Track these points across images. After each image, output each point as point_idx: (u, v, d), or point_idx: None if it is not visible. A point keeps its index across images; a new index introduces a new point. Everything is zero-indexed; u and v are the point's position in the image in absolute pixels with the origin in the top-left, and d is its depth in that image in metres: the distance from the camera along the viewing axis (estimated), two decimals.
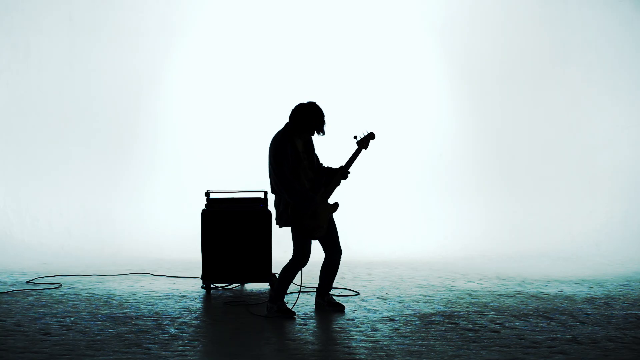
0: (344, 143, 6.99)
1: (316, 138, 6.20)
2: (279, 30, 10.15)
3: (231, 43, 10.15)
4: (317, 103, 6.02)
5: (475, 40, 10.28)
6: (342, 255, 6.24)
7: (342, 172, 6.10)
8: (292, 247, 6.05)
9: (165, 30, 10.13)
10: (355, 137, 6.23)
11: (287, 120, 6.04)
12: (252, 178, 8.70)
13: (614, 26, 10.18)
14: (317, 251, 6.43)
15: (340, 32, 10.20)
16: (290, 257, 6.05)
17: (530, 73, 10.28)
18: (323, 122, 6.00)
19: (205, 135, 10.10)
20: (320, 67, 10.09)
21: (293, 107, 6.02)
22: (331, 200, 6.12)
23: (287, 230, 6.11)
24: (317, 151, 6.27)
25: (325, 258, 6.23)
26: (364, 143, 6.20)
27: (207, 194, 7.25)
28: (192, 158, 10.08)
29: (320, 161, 6.28)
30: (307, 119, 5.94)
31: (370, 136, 6.22)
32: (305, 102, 6.03)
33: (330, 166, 6.26)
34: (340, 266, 7.50)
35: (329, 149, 7.14)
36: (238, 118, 10.07)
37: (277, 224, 6.11)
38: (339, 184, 6.11)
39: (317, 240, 6.12)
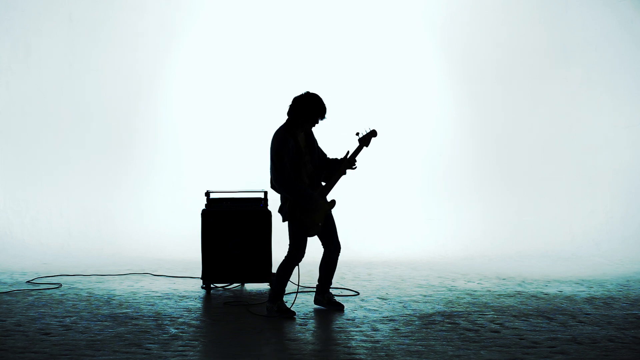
0: (345, 141, 6.99)
1: (317, 134, 6.19)
2: (279, 30, 10.15)
3: (231, 43, 10.14)
4: (312, 91, 6.02)
5: (475, 40, 10.28)
6: (340, 253, 6.25)
7: (349, 161, 6.10)
8: None
9: (165, 30, 10.12)
10: (357, 133, 6.23)
11: (287, 117, 6.03)
12: (252, 178, 8.69)
13: (614, 26, 10.17)
14: (316, 248, 6.43)
15: (340, 32, 10.20)
16: (286, 253, 6.04)
17: (530, 73, 10.26)
18: (324, 108, 5.98)
19: (205, 135, 10.10)
20: (320, 66, 10.09)
21: (290, 103, 6.01)
22: (329, 198, 6.12)
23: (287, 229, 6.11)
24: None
25: (323, 254, 6.24)
26: (365, 140, 6.20)
27: (207, 194, 7.25)
28: (192, 158, 10.08)
29: (325, 152, 6.30)
30: (308, 108, 5.92)
31: (372, 134, 6.22)
32: (301, 93, 6.02)
33: (336, 157, 6.25)
34: (340, 266, 7.49)
35: (329, 148, 7.13)
36: (238, 118, 10.07)
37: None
38: (344, 173, 6.11)
39: (316, 236, 6.13)
